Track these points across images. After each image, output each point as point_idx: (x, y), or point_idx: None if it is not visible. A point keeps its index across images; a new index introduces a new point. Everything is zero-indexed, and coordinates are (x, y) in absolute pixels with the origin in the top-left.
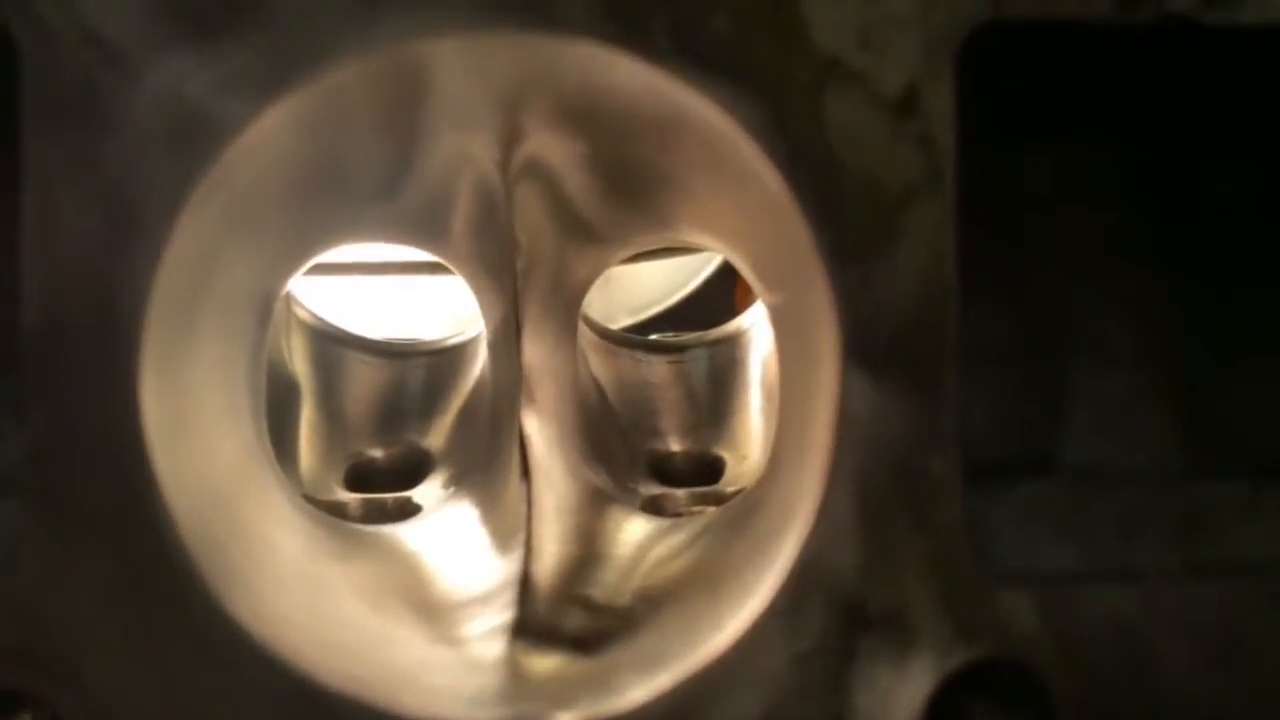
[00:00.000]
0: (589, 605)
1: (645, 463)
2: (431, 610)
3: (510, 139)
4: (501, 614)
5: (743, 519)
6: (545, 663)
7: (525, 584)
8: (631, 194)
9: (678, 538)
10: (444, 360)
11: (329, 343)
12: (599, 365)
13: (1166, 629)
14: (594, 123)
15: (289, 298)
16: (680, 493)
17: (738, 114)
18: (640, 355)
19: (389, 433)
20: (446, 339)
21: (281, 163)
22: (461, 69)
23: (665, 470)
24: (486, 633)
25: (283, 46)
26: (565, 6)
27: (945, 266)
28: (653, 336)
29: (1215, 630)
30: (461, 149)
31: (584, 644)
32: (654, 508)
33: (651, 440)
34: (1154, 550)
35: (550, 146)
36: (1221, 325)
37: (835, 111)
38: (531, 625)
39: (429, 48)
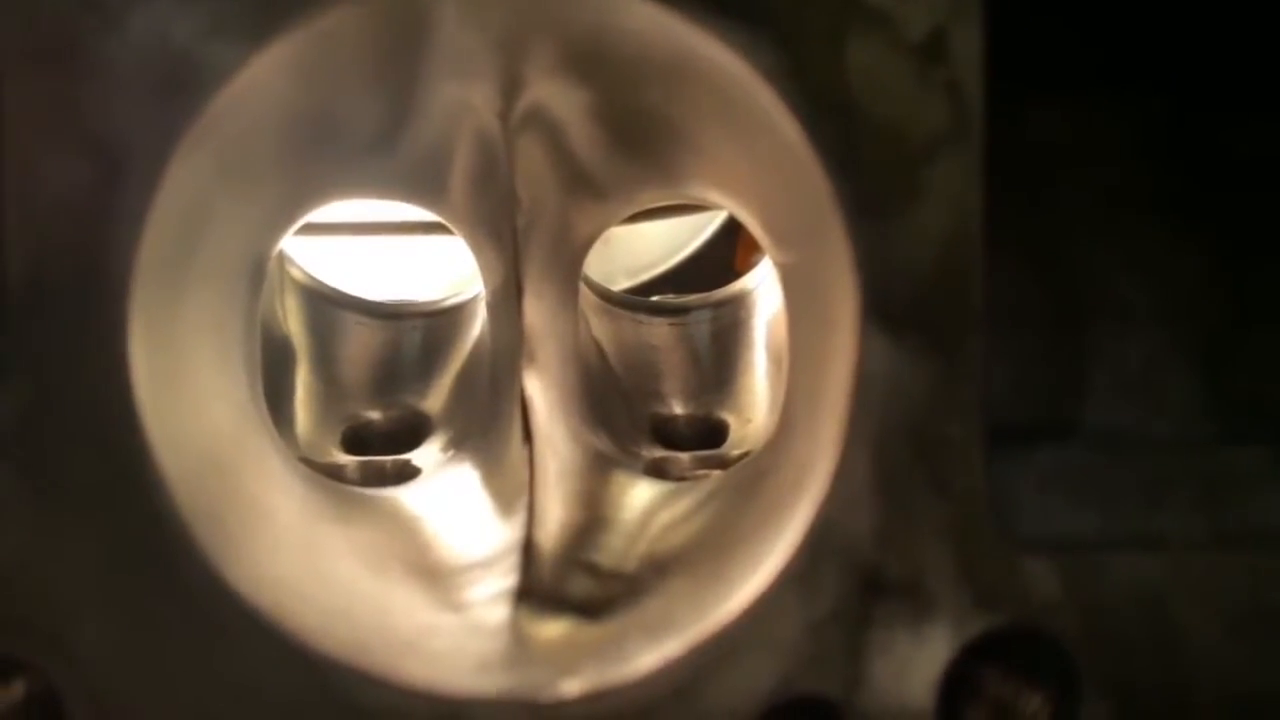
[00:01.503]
0: (595, 571)
1: (648, 426)
2: (433, 575)
3: (512, 87)
4: (505, 579)
5: (753, 483)
6: (550, 629)
7: (529, 549)
8: (638, 146)
9: (684, 502)
10: (442, 321)
11: (324, 303)
12: (600, 327)
13: (1193, 598)
14: (601, 68)
15: (282, 257)
16: (684, 456)
17: (754, 59)
18: (642, 317)
19: (386, 395)
20: (444, 299)
21: (273, 112)
22: (461, 12)
23: (668, 434)
24: (489, 598)
25: None
26: None
27: (972, 223)
28: (654, 298)
29: (1243, 600)
30: (461, 98)
31: (590, 610)
32: (658, 471)
33: (654, 403)
34: (1179, 517)
35: (554, 95)
36: (1250, 288)
37: (857, 56)
38: (536, 591)
39: None
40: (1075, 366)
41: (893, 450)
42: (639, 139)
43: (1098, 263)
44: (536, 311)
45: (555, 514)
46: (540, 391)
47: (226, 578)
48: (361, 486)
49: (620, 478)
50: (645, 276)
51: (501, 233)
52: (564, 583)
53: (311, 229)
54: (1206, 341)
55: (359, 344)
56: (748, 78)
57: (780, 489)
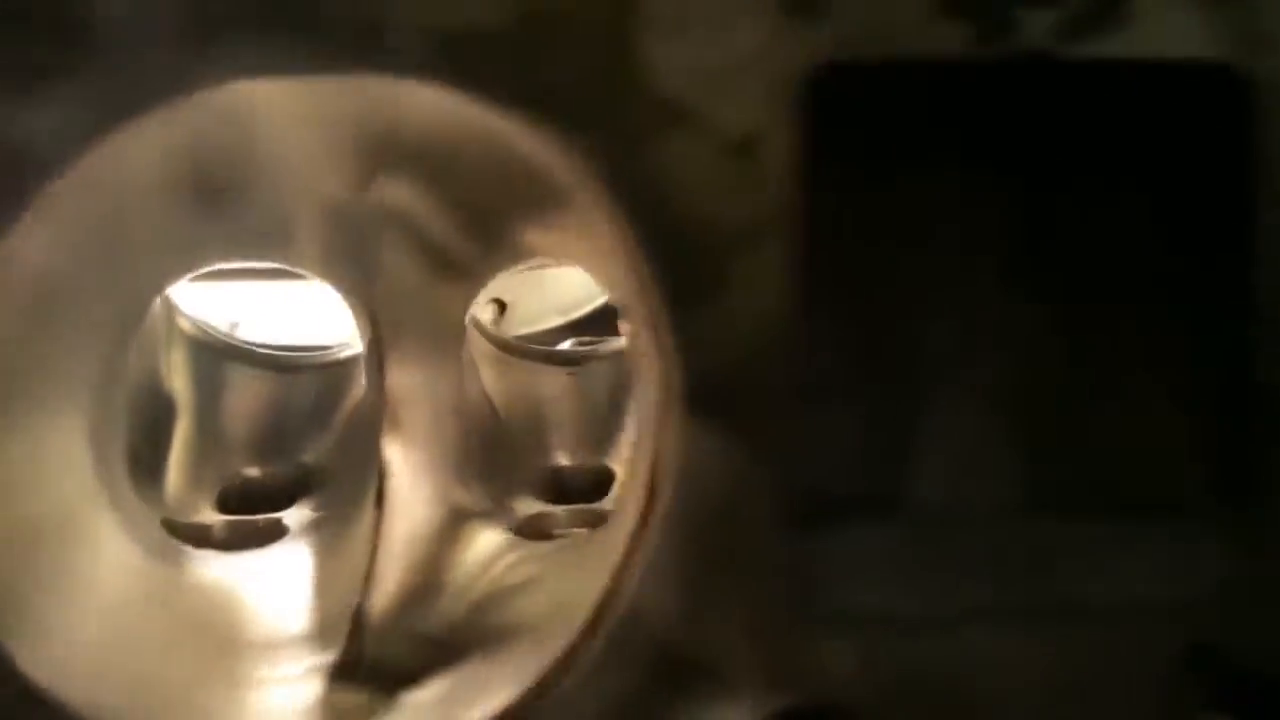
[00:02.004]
0: (417, 639)
1: (535, 479)
2: (252, 648)
3: (358, 181)
4: (326, 653)
5: (577, 553)
6: (356, 702)
7: (358, 619)
8: (491, 229)
9: (524, 568)
10: (333, 374)
11: (213, 355)
12: (493, 379)
13: (1000, 673)
14: (441, 165)
15: (171, 308)
16: (560, 511)
17: (577, 159)
18: (538, 366)
19: (271, 450)
20: (338, 350)
21: (112, 199)
22: (295, 112)
23: (556, 487)
24: (305, 672)
25: (106, 90)
26: (398, 50)
27: (783, 310)
28: (564, 345)
29: (1051, 674)
30: (306, 186)
31: (403, 681)
32: (531, 528)
33: (542, 456)
34: (990, 592)
35: (400, 188)
36: (1078, 363)
37: (672, 156)
38: (355, 664)
39: (258, 91)
40: (900, 440)
41: (697, 531)
42: (490, 223)
43: (930, 336)
44: (404, 376)
45: (395, 579)
46: (401, 455)
47: (16, 658)
48: (227, 548)
49: (475, 537)
50: (577, 314)
51: (364, 299)
52: (384, 653)
53: (209, 275)
54: (1035, 415)
55: (246, 397)
56: (575, 176)
57: (593, 562)
